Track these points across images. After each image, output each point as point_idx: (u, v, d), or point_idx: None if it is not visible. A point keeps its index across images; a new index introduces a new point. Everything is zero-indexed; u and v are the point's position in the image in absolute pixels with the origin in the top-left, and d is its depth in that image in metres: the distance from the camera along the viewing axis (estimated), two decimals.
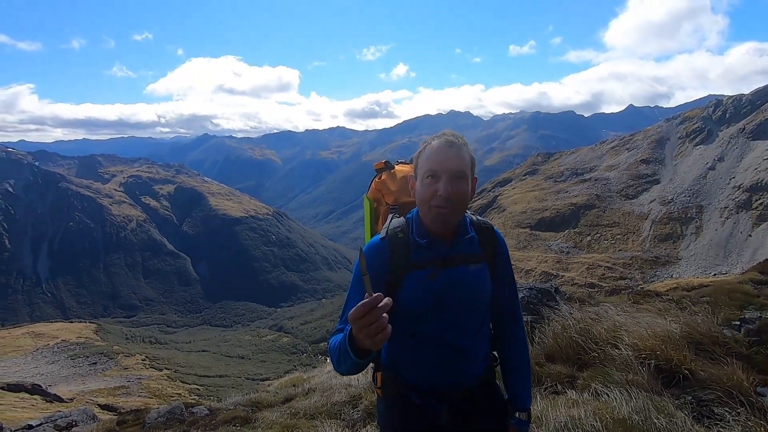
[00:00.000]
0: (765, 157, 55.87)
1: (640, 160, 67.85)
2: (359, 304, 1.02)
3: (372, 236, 1.64)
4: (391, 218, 1.59)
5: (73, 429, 6.97)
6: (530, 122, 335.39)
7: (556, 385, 2.87)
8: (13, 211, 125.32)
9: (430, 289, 1.44)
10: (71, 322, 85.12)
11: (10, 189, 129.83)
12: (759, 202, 51.55)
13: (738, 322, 3.40)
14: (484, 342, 1.56)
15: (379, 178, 1.94)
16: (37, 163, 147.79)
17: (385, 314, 1.02)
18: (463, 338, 1.49)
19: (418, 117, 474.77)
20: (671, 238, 53.39)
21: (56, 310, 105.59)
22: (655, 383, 2.41)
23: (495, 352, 1.64)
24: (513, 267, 1.64)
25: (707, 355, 2.64)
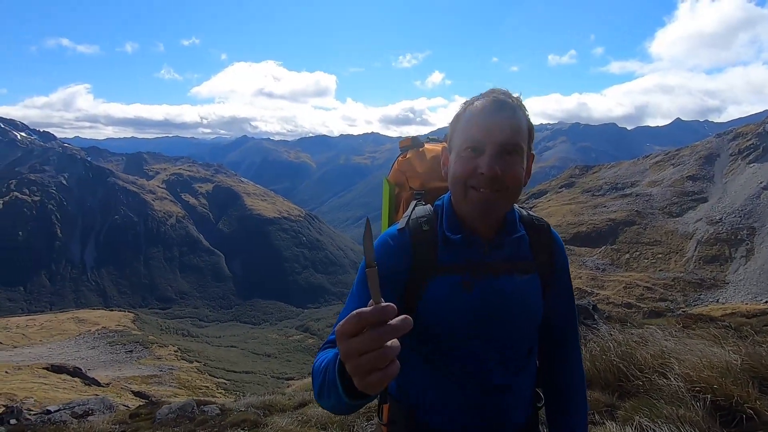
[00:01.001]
0: None
1: (687, 177, 64.42)
2: (353, 313, 0.62)
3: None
4: (414, 205, 1.24)
5: (89, 417, 7.13)
6: (569, 133, 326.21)
7: (593, 414, 2.61)
8: (65, 203, 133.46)
9: (462, 303, 1.08)
10: (111, 310, 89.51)
11: (64, 182, 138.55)
12: None
13: None
14: (530, 378, 1.19)
15: (404, 156, 1.58)
16: (89, 159, 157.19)
17: (394, 339, 0.62)
18: (504, 372, 1.11)
19: None
20: (718, 260, 50.24)
21: (99, 298, 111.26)
22: (711, 422, 2.12)
23: (540, 389, 1.27)
24: None
25: None
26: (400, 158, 1.58)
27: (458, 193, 1.09)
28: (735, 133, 69.13)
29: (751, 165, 61.02)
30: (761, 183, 57.10)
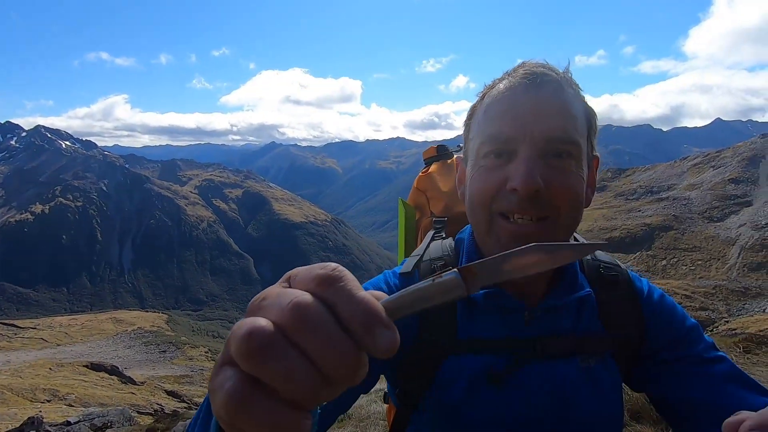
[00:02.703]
0: None
1: (728, 180, 61.33)
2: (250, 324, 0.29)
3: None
4: (430, 240, 0.87)
5: (108, 430, 7.04)
6: (600, 136, 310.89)
7: None
8: (105, 208, 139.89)
9: (488, 406, 0.69)
10: (146, 311, 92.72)
11: (104, 188, 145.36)
12: None
13: None
14: None
15: (425, 171, 1.18)
16: (127, 166, 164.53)
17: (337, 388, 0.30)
18: None
19: None
20: (765, 267, 47.47)
21: (135, 299, 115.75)
22: None
23: None
24: None
25: None
26: (421, 174, 1.19)
27: (480, 225, 0.71)
28: None
29: None
30: None
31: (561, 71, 0.71)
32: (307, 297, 0.28)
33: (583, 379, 0.70)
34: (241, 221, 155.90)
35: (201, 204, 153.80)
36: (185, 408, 20.66)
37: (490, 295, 0.72)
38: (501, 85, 0.70)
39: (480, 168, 0.68)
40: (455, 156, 0.99)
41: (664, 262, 51.90)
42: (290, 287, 0.30)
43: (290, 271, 0.32)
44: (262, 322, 0.27)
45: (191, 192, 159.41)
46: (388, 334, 0.27)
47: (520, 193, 0.63)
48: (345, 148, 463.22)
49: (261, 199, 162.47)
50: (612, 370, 0.72)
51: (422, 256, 0.81)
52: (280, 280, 0.32)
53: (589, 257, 0.81)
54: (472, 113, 0.76)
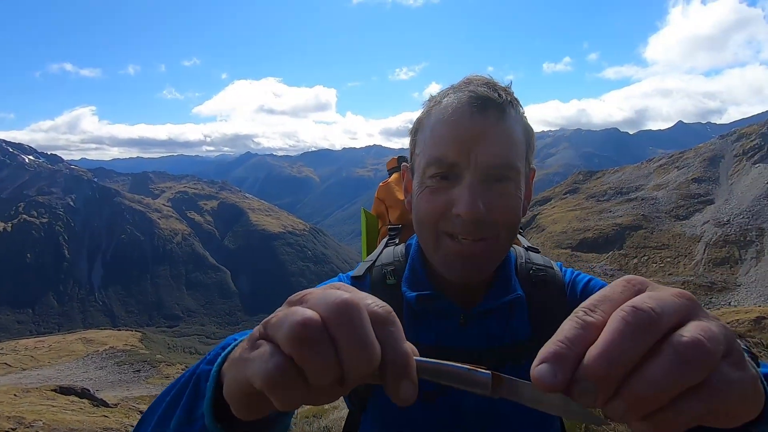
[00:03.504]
0: None
1: (692, 179, 64.20)
2: (333, 289, 0.37)
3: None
4: (384, 246, 0.93)
5: None
6: (571, 140, 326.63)
7: None
8: (73, 224, 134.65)
9: (424, 418, 0.73)
10: (119, 329, 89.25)
11: (71, 203, 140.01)
12: None
13: None
14: None
15: (385, 182, 1.26)
16: (95, 179, 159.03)
17: (372, 337, 0.34)
18: None
19: None
20: (728, 262, 49.73)
21: (106, 318, 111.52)
22: None
23: None
24: None
25: None
26: (381, 184, 1.26)
27: (427, 241, 0.75)
28: (738, 133, 69.07)
29: (757, 165, 60.72)
30: (767, 183, 56.73)
31: (504, 89, 0.72)
32: (355, 297, 0.32)
33: None
34: (217, 233, 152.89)
35: (175, 217, 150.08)
36: None
37: (426, 299, 0.76)
38: (446, 102, 0.71)
39: (426, 188, 0.71)
40: (402, 165, 0.95)
41: (635, 261, 53.62)
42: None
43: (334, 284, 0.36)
44: (313, 314, 0.31)
45: (164, 205, 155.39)
46: (411, 389, 0.31)
47: (464, 219, 0.67)
48: (321, 156, 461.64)
49: (237, 210, 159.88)
50: None
51: (374, 261, 0.86)
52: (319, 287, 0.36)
53: (523, 260, 0.85)
54: (418, 126, 0.78)
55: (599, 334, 0.27)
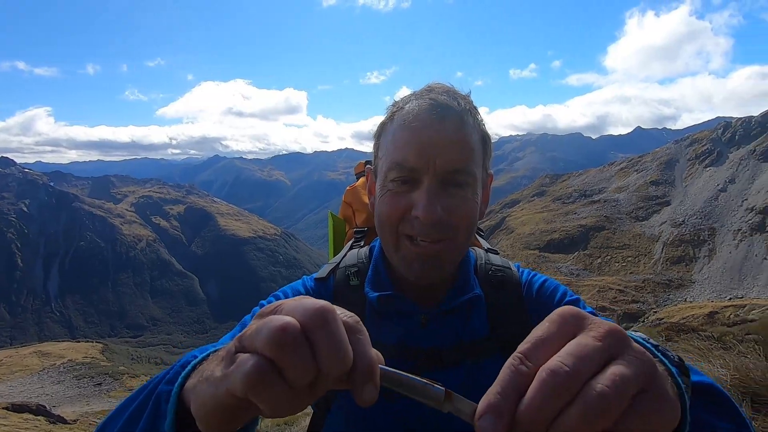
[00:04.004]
0: None
1: (650, 182, 67.46)
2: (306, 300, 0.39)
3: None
4: (348, 249, 0.97)
5: None
6: (538, 144, 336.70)
7: None
8: (26, 231, 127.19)
9: (386, 415, 0.75)
10: (78, 341, 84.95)
11: (25, 209, 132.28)
12: None
13: None
14: None
15: (352, 186, 1.30)
16: (52, 184, 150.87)
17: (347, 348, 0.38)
18: None
19: None
20: (684, 260, 52.46)
21: (64, 329, 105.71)
22: None
23: None
24: None
25: (766, 410, 2.25)
26: (348, 188, 1.29)
27: (388, 243, 0.78)
28: (691, 139, 73.15)
29: (708, 169, 64.47)
30: (718, 185, 60.32)
31: (463, 97, 0.76)
32: (329, 305, 0.35)
33: (470, 382, 0.75)
34: (184, 239, 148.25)
35: (138, 222, 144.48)
36: None
37: (388, 299, 0.79)
38: (408, 109, 0.75)
39: (388, 191, 0.75)
40: (366, 167, 0.97)
41: (599, 261, 55.71)
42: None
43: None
44: (291, 319, 0.33)
45: (127, 210, 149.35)
46: (374, 392, 0.34)
47: (423, 221, 0.70)
48: (292, 160, 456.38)
49: (205, 214, 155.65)
50: (500, 365, 0.97)
51: (338, 263, 0.89)
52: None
53: (482, 261, 0.88)
54: (381, 131, 0.81)
55: (531, 381, 0.31)
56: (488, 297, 0.82)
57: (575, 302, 0.81)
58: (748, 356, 2.90)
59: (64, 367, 64.33)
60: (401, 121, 0.74)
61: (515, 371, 0.32)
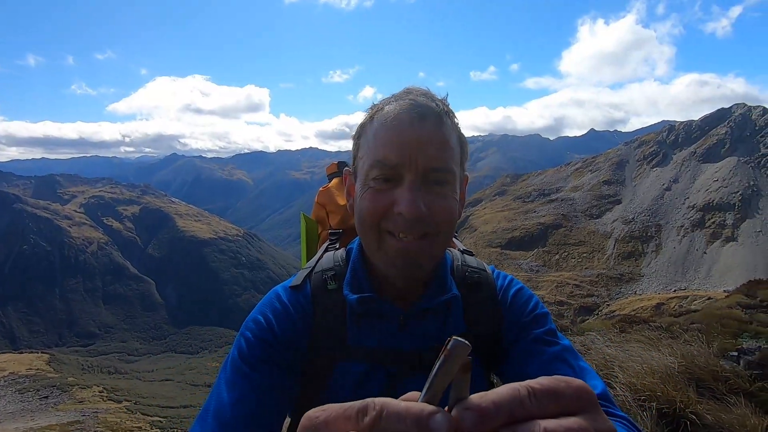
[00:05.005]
0: (715, 179, 59.53)
1: (603, 182, 70.92)
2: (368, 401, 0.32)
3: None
4: (323, 251, 0.94)
5: None
6: (499, 144, 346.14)
7: None
8: None
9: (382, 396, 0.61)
10: (21, 352, 79.15)
11: None
12: (712, 221, 54.63)
13: (735, 353, 3.32)
14: None
15: (325, 187, 1.29)
16: None
17: None
18: None
19: None
20: (633, 255, 55.53)
21: (4, 340, 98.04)
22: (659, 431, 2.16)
23: None
24: None
25: (710, 394, 2.45)
26: (321, 189, 1.29)
27: (370, 240, 0.78)
28: (639, 141, 77.60)
29: (654, 169, 68.63)
30: (663, 185, 64.31)
31: (441, 100, 0.78)
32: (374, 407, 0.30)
33: None
34: (140, 241, 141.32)
35: (88, 224, 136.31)
36: None
37: (368, 301, 0.79)
38: (389, 109, 0.76)
39: (369, 189, 0.75)
40: (344, 169, 0.93)
41: (557, 257, 57.95)
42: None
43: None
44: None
45: (75, 211, 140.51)
46: (438, 418, 0.28)
47: (406, 217, 0.71)
48: (255, 159, 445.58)
49: (162, 215, 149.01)
50: (475, 363, 0.80)
51: (314, 267, 0.86)
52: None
53: (459, 262, 0.89)
54: (361, 132, 0.81)
55: (524, 416, 0.28)
56: (465, 298, 0.84)
57: (544, 316, 0.84)
58: (693, 344, 3.14)
59: (5, 381, 59.77)
60: (382, 121, 0.76)
61: (518, 399, 0.29)
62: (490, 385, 0.90)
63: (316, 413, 0.31)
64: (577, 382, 0.30)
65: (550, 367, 0.76)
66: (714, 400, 2.38)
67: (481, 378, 0.84)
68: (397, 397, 0.63)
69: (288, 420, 0.82)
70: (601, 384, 0.76)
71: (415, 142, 0.72)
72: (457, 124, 0.79)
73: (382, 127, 0.75)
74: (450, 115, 0.78)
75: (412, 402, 0.30)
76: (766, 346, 3.31)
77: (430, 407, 0.29)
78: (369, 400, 0.30)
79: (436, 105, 0.76)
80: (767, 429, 2.12)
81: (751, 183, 56.33)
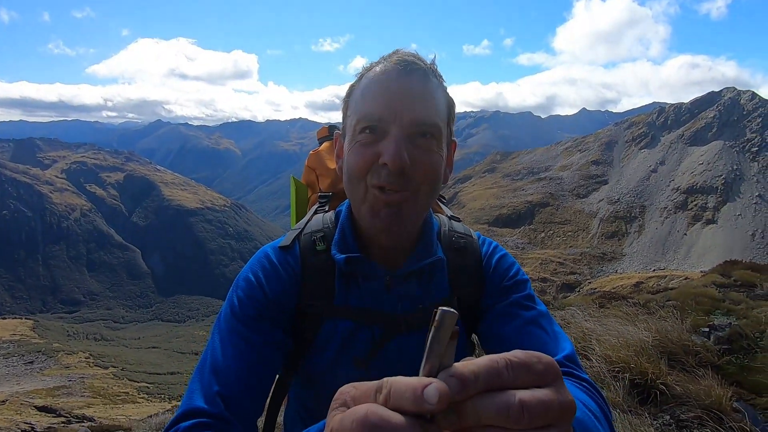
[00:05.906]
0: (700, 162, 60.42)
1: (591, 162, 71.44)
2: (398, 384, 0.33)
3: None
4: (312, 214, 0.96)
5: None
6: (490, 121, 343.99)
7: None
8: None
9: (354, 378, 0.53)
10: (4, 318, 78.70)
11: None
12: (694, 203, 55.80)
13: (707, 329, 3.46)
14: None
15: (315, 151, 1.28)
16: None
17: None
18: None
19: None
20: (617, 235, 56.71)
21: None
22: (631, 401, 2.28)
23: None
24: None
25: (680, 366, 2.58)
26: (311, 153, 1.29)
27: (357, 195, 0.79)
28: (629, 122, 77.86)
29: (643, 150, 69.22)
30: (650, 166, 65.07)
31: (428, 62, 0.80)
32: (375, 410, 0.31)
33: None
34: (124, 209, 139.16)
35: (71, 190, 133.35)
36: (63, 423, 18.12)
37: (355, 261, 0.81)
38: (377, 68, 0.78)
39: (356, 143, 0.77)
40: (335, 132, 0.93)
41: (542, 235, 58.88)
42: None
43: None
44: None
45: (57, 177, 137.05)
46: (430, 388, 0.30)
47: (390, 168, 0.72)
48: (243, 128, 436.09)
49: (147, 183, 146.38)
50: (460, 342, 0.83)
51: (303, 229, 0.89)
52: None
53: (446, 227, 0.91)
54: (350, 92, 0.82)
55: (500, 386, 0.30)
56: (450, 262, 0.86)
57: (524, 282, 0.88)
58: (667, 320, 3.28)
59: None
60: (369, 77, 0.78)
61: (496, 371, 0.31)
62: (473, 346, 0.97)
63: (348, 389, 0.34)
64: (547, 358, 0.32)
65: (524, 329, 0.79)
66: (684, 372, 2.52)
67: (463, 339, 0.87)
68: (383, 357, 0.67)
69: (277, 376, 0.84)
70: (570, 346, 0.78)
71: (401, 96, 0.74)
72: (445, 86, 0.81)
73: (369, 82, 0.77)
74: (437, 74, 0.80)
75: (413, 378, 0.32)
76: (736, 323, 3.46)
77: (425, 380, 0.31)
78: (384, 379, 0.32)
79: (423, 63, 0.77)
80: (731, 399, 2.27)
81: (735, 167, 57.33)
